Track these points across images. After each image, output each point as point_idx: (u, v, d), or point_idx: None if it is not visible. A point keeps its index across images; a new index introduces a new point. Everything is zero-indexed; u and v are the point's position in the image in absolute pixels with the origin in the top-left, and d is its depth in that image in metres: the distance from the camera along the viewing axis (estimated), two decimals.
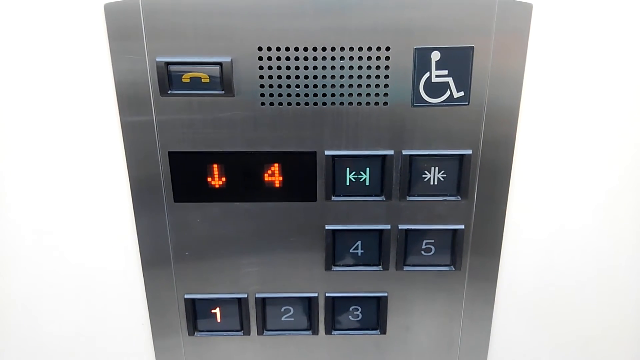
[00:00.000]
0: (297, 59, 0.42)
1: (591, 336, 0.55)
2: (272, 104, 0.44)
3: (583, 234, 0.50)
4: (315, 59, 0.42)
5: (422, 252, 0.50)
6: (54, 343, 0.54)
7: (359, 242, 0.49)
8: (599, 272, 0.52)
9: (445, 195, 0.47)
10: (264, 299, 0.52)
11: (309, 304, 0.52)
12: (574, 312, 0.54)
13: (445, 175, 0.46)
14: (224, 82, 0.42)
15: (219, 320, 0.53)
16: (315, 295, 0.52)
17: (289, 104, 0.44)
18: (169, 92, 0.43)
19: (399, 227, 0.48)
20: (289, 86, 0.43)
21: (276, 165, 0.46)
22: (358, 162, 0.46)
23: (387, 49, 0.42)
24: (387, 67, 0.42)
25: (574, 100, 0.45)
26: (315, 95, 0.43)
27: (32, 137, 0.45)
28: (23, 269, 0.51)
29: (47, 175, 0.47)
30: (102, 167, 0.46)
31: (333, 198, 0.47)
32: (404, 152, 0.45)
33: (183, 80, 0.43)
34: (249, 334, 0.53)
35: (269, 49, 0.42)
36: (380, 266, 0.50)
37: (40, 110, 0.44)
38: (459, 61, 0.42)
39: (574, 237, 0.50)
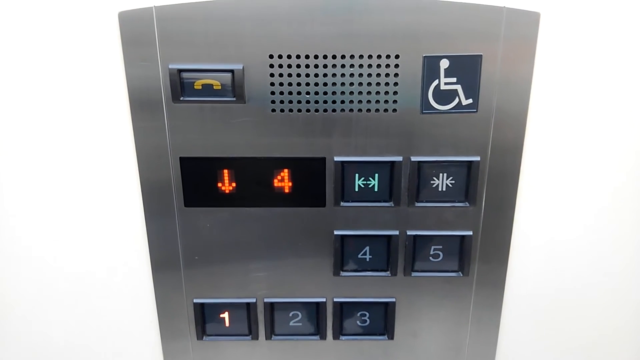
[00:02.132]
0: (307, 66, 0.42)
1: (599, 342, 0.55)
2: (282, 110, 0.44)
3: (591, 240, 0.50)
4: (325, 66, 0.42)
5: (430, 258, 0.50)
6: (62, 345, 0.55)
7: (367, 248, 0.49)
8: (606, 278, 0.52)
9: (454, 202, 0.47)
10: (272, 303, 0.52)
11: (317, 309, 0.52)
12: (582, 319, 0.54)
13: (453, 182, 0.47)
14: (235, 89, 0.43)
15: (227, 324, 0.53)
16: (324, 300, 0.52)
17: (299, 110, 0.44)
18: (181, 98, 0.43)
19: (407, 233, 0.48)
20: (299, 93, 0.43)
21: (286, 170, 0.46)
22: (367, 168, 0.46)
23: (397, 56, 0.42)
24: (396, 75, 0.43)
25: (582, 108, 0.45)
26: (325, 102, 0.44)
27: (45, 141, 0.46)
28: (33, 272, 0.51)
29: (60, 180, 0.47)
30: (113, 172, 0.47)
31: (342, 203, 0.47)
32: (413, 159, 0.46)
33: (195, 87, 0.43)
34: (257, 339, 0.53)
35: (279, 56, 0.42)
36: (389, 272, 0.50)
37: (53, 115, 0.45)
38: (467, 69, 0.43)
39: (582, 243, 0.50)
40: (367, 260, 0.50)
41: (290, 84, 0.43)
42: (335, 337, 0.53)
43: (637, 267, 0.51)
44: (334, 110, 0.44)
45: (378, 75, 0.43)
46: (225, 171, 0.46)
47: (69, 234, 0.49)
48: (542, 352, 0.55)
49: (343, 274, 0.50)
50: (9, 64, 0.43)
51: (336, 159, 0.46)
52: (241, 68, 0.42)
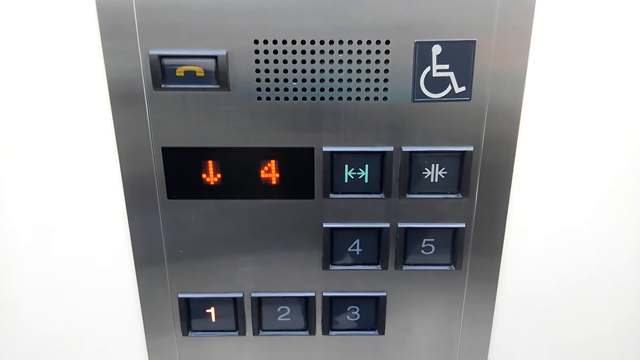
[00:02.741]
0: (294, 52, 0.41)
1: (592, 336, 0.55)
2: (268, 98, 0.43)
3: (585, 234, 0.50)
4: (313, 52, 0.41)
5: (422, 251, 0.49)
6: (45, 342, 0.54)
7: (357, 241, 0.48)
8: (600, 272, 0.51)
9: (446, 193, 0.46)
10: (259, 298, 0.51)
11: (306, 304, 0.51)
12: (575, 312, 0.53)
13: (445, 173, 0.46)
14: (219, 76, 0.42)
15: (213, 320, 0.52)
16: (313, 294, 0.51)
17: (286, 98, 0.43)
18: (163, 86, 0.42)
19: (399, 226, 0.48)
20: (286, 80, 0.42)
21: (273, 161, 0.45)
22: (357, 159, 0.45)
23: (387, 42, 0.41)
24: (386, 62, 0.41)
25: (577, 97, 0.44)
26: (313, 90, 0.42)
27: (24, 134, 0.44)
28: (13, 268, 0.50)
29: (39, 173, 0.46)
30: (94, 164, 0.46)
31: (331, 195, 0.46)
32: (404, 149, 0.45)
33: (177, 74, 0.42)
34: (245, 334, 0.53)
35: (265, 42, 0.41)
36: (379, 265, 0.49)
37: (31, 107, 0.44)
38: (460, 55, 0.41)
39: (576, 236, 0.50)
40: (357, 253, 0.49)
41: (276, 71, 0.42)
42: (325, 332, 0.53)
43: (633, 262, 0.51)
44: (322, 99, 0.43)
45: (368, 62, 0.42)
46: (210, 162, 0.45)
47: (49, 229, 0.48)
48: (535, 346, 0.55)
49: (332, 267, 0.50)
50: None
51: (325, 149, 0.45)
52: (225, 54, 0.41)
